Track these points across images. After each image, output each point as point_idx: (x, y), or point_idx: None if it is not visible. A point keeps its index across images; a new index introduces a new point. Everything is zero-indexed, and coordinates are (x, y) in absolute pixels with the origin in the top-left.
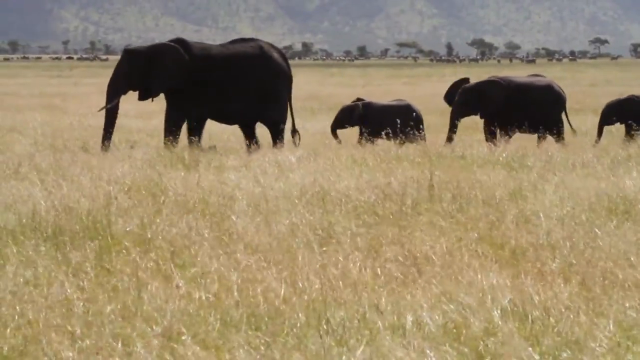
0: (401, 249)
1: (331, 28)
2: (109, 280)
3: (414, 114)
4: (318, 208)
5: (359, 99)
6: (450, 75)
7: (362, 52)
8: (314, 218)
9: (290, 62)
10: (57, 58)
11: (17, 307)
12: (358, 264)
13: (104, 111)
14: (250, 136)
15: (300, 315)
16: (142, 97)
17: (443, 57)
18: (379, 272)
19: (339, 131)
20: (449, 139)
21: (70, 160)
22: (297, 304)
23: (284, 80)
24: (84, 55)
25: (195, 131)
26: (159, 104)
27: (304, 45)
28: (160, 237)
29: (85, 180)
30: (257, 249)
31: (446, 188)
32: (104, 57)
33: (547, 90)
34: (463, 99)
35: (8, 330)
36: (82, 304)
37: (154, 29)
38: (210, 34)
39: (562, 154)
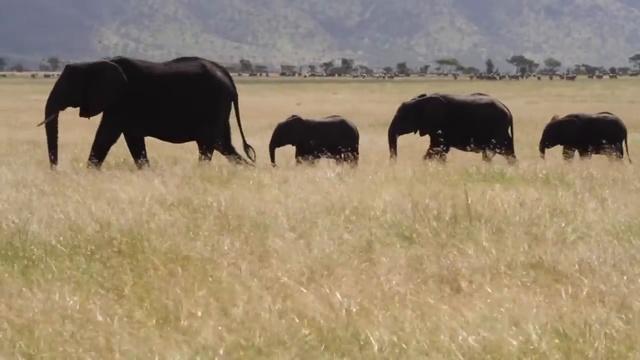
0: (439, 267)
1: (371, 45)
2: (147, 297)
3: (349, 130)
4: (357, 224)
5: (294, 116)
6: (490, 93)
7: (402, 69)
8: (352, 235)
9: (330, 79)
10: None
11: (55, 324)
12: (396, 282)
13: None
14: (203, 152)
15: (338, 332)
16: (82, 114)
17: (483, 74)
18: (417, 290)
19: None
20: (392, 157)
21: (109, 175)
22: (335, 321)
23: (226, 99)
24: None
25: (136, 148)
26: None
27: (344, 61)
28: (198, 254)
29: (124, 196)
30: (295, 266)
31: (484, 205)
32: None
33: (488, 108)
34: (403, 115)
35: (44, 344)
36: (119, 320)
37: (194, 46)
38: (250, 51)
39: (602, 171)
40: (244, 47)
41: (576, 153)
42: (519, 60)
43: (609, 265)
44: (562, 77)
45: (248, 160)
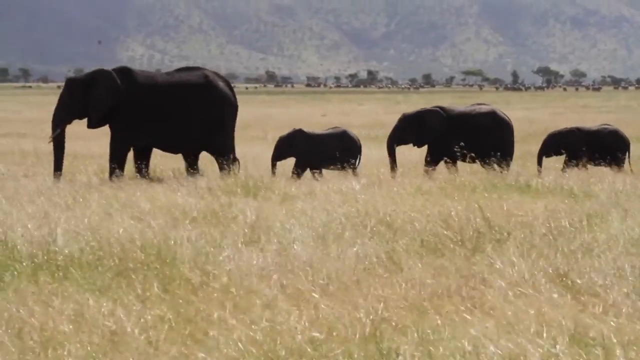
0: (464, 278)
1: (397, 56)
2: (172, 309)
3: (351, 141)
4: (382, 236)
5: (295, 129)
6: (515, 103)
7: (428, 80)
8: (378, 246)
9: (355, 90)
10: None
11: (82, 335)
12: (421, 293)
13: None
14: (192, 165)
15: (363, 344)
16: (88, 125)
17: (508, 85)
18: (442, 301)
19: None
20: (392, 169)
21: (134, 186)
22: (359, 331)
23: (229, 109)
24: None
25: (142, 159)
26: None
27: (369, 73)
28: (223, 266)
29: (149, 208)
30: (321, 278)
31: (510, 216)
32: None
33: (489, 118)
34: (403, 126)
35: (72, 355)
36: (145, 332)
37: (219, 57)
38: (276, 62)
39: (628, 182)
40: (270, 58)
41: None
42: (544, 71)
43: (634, 277)
44: (587, 88)
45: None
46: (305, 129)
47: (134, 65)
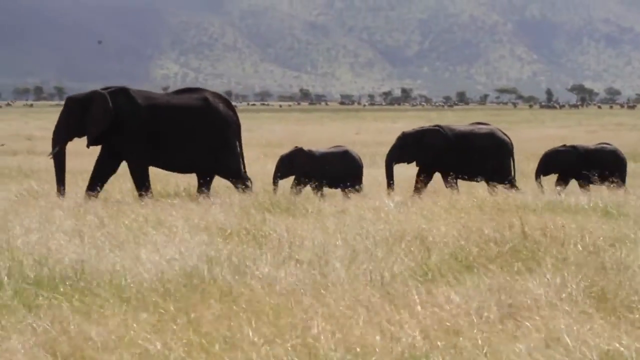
0: (499, 295)
1: (430, 74)
2: (206, 326)
3: (353, 160)
4: (417, 253)
5: (296, 148)
6: (550, 122)
7: (462, 98)
8: (413, 263)
9: (389, 107)
10: None
11: (114, 355)
12: (455, 311)
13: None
14: (203, 185)
15: None
16: (89, 144)
17: (543, 103)
18: (477, 319)
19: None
20: (389, 187)
21: (168, 204)
22: (393, 351)
23: (232, 129)
24: None
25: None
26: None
27: (403, 90)
28: (257, 284)
29: (183, 225)
30: (354, 296)
31: (545, 234)
32: None
33: (488, 138)
34: (402, 144)
35: None
36: (179, 350)
37: (253, 75)
38: (310, 80)
39: None
40: (303, 76)
41: (574, 183)
42: (578, 89)
43: None
44: (622, 106)
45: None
46: (306, 148)
47: (167, 83)
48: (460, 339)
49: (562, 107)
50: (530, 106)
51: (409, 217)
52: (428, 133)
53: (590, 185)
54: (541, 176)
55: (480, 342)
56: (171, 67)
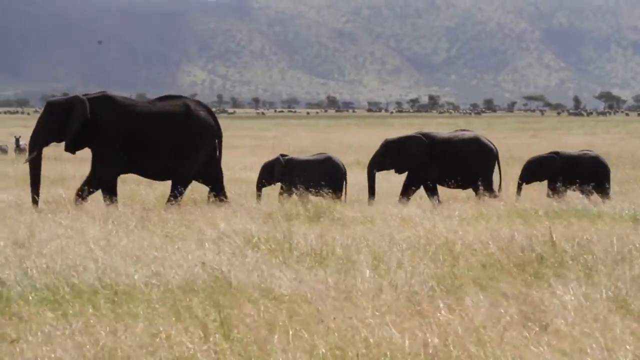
0: (525, 304)
1: (458, 81)
2: (233, 333)
3: (335, 167)
4: (444, 261)
5: (282, 155)
6: (577, 129)
7: (489, 105)
8: (440, 270)
9: (416, 115)
10: None
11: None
12: (482, 319)
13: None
14: (214, 191)
15: None
16: (66, 149)
17: (570, 111)
18: (503, 327)
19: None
20: (370, 194)
21: (195, 212)
22: (420, 357)
23: (209, 138)
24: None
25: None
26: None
27: (431, 98)
28: (284, 291)
29: (210, 232)
30: (381, 304)
31: (571, 242)
32: (231, 110)
33: (472, 144)
34: (384, 152)
35: None
36: (207, 356)
37: (281, 82)
38: (337, 87)
39: None
40: (331, 83)
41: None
42: (606, 97)
43: None
44: None
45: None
46: (289, 155)
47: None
48: (487, 346)
49: (589, 114)
50: (558, 113)
51: (436, 225)
52: (409, 140)
53: (573, 192)
54: (523, 184)
55: (507, 349)
56: (198, 74)
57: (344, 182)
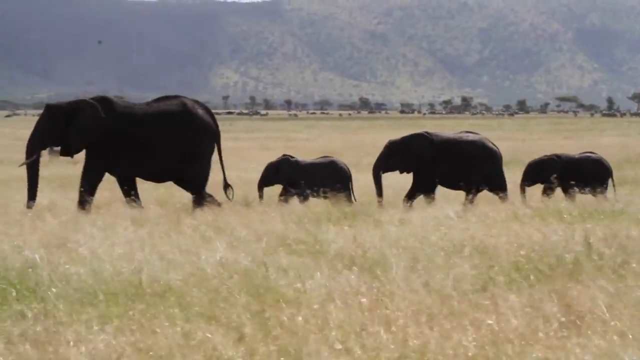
0: (560, 304)
1: (491, 82)
2: (267, 335)
3: (340, 170)
4: (477, 262)
5: (284, 156)
6: (611, 130)
7: (522, 107)
8: (474, 272)
9: (449, 116)
10: (216, 113)
11: None
12: (516, 321)
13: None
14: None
15: None
16: (63, 153)
17: (604, 112)
18: (538, 329)
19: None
20: (379, 196)
21: (229, 212)
22: (455, 358)
23: (209, 138)
24: (244, 111)
25: (128, 188)
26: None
27: (463, 99)
28: (318, 293)
29: (244, 234)
30: (414, 305)
31: (607, 244)
32: (263, 112)
33: (475, 146)
34: (388, 152)
35: None
36: (242, 358)
37: (313, 84)
38: (369, 89)
39: None
40: (363, 85)
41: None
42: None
43: None
44: None
45: (227, 198)
46: (293, 157)
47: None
48: (523, 347)
49: (623, 115)
50: (591, 115)
51: (470, 226)
52: (414, 140)
53: (576, 194)
54: (525, 187)
55: (542, 350)
56: (231, 76)
57: (350, 185)
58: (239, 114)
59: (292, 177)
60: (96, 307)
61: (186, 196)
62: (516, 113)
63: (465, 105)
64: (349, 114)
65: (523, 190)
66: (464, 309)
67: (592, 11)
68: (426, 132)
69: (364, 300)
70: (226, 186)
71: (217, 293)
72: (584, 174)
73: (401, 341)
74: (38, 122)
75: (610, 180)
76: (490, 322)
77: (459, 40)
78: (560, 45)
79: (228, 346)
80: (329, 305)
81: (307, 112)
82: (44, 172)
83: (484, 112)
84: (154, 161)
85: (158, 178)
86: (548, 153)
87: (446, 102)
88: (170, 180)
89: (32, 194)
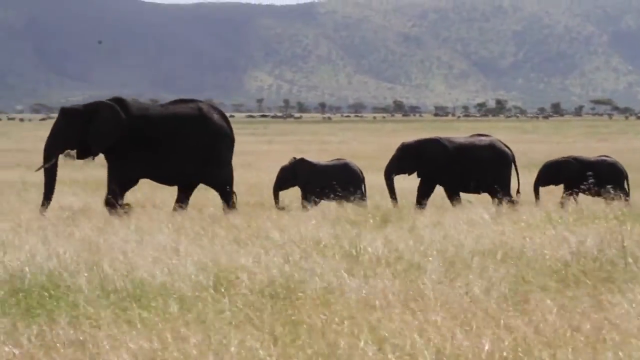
0: (595, 309)
1: (525, 85)
2: (302, 338)
3: (353, 173)
4: (511, 267)
5: (298, 159)
6: None
7: (556, 109)
8: (506, 277)
9: (483, 119)
10: (250, 116)
11: None
12: (549, 325)
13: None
14: (183, 199)
15: None
16: (80, 156)
17: (638, 114)
18: (571, 334)
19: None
20: (392, 199)
21: (263, 216)
22: None
23: (225, 141)
24: (278, 114)
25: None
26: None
27: (498, 102)
28: (353, 296)
29: (277, 237)
30: (448, 309)
31: None
32: (297, 115)
33: (489, 149)
34: (401, 155)
35: None
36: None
37: (347, 87)
38: (404, 92)
39: None
40: (397, 88)
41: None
42: None
43: None
44: None
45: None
46: (308, 159)
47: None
48: (557, 351)
49: None
50: (626, 117)
51: (505, 229)
52: (427, 144)
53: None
54: (539, 188)
55: (577, 355)
56: (265, 79)
57: (364, 187)
58: (272, 117)
59: (309, 180)
60: (129, 311)
61: (218, 199)
62: (550, 116)
63: (500, 108)
64: (383, 117)
65: (537, 192)
66: (498, 313)
67: (628, 13)
68: (439, 137)
69: (398, 304)
70: (231, 192)
71: (250, 297)
72: (598, 177)
73: (435, 346)
74: (55, 126)
75: (625, 184)
76: (524, 327)
77: (494, 43)
78: (595, 48)
79: (261, 350)
80: (363, 309)
81: (341, 115)
82: (78, 175)
83: (518, 114)
84: (167, 164)
85: (173, 182)
86: (576, 155)
87: (480, 105)
88: (186, 183)
89: (47, 197)
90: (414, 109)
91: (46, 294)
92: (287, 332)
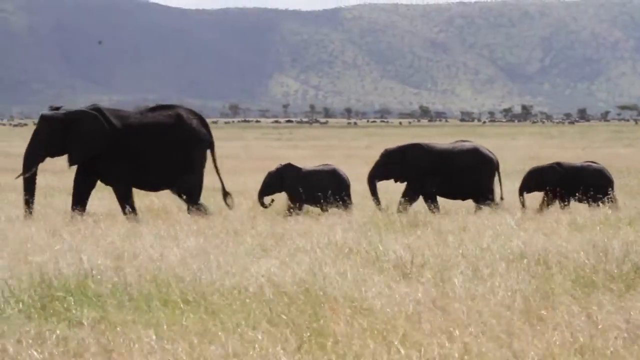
0: (621, 315)
1: (551, 90)
2: (324, 345)
3: (340, 178)
4: (536, 272)
5: (285, 164)
6: None
7: (583, 115)
8: (535, 281)
9: (509, 124)
10: (276, 121)
11: None
12: (574, 331)
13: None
14: (188, 201)
15: None
16: (71, 163)
17: None
18: (596, 340)
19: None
20: (376, 204)
21: (288, 223)
22: None
23: (202, 147)
24: (304, 119)
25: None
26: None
27: (524, 107)
28: (377, 302)
29: (302, 243)
30: (474, 316)
31: None
32: (323, 120)
33: (471, 155)
34: (385, 161)
35: None
36: None
37: (373, 92)
38: (430, 97)
39: None
40: (423, 93)
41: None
42: None
43: None
44: None
45: (223, 207)
46: (295, 164)
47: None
48: (584, 358)
49: None
50: None
51: (530, 235)
52: (410, 149)
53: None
54: (524, 194)
55: None
56: (291, 84)
57: (348, 194)
58: (298, 122)
59: (295, 185)
60: (154, 315)
61: (246, 205)
62: (577, 121)
63: (526, 114)
64: (409, 122)
65: (522, 197)
66: (524, 319)
67: None
68: (422, 143)
69: (423, 309)
70: (225, 195)
71: (276, 301)
72: (583, 184)
73: (462, 351)
74: (35, 134)
75: (610, 190)
76: (550, 332)
77: (520, 49)
78: (621, 54)
79: (286, 355)
80: (388, 314)
81: (367, 121)
82: None
83: (544, 120)
84: (148, 171)
85: (153, 188)
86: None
87: (506, 111)
88: (164, 189)
89: (29, 203)
90: (440, 115)
91: (71, 299)
92: (312, 338)
